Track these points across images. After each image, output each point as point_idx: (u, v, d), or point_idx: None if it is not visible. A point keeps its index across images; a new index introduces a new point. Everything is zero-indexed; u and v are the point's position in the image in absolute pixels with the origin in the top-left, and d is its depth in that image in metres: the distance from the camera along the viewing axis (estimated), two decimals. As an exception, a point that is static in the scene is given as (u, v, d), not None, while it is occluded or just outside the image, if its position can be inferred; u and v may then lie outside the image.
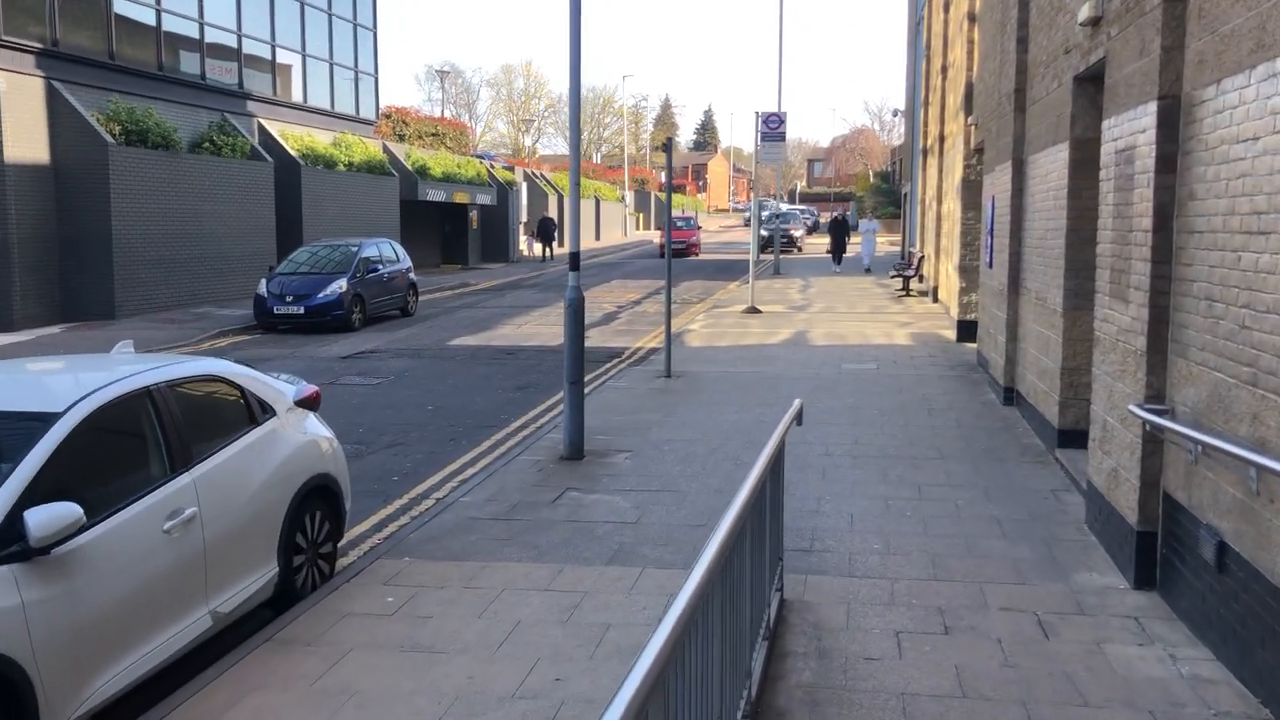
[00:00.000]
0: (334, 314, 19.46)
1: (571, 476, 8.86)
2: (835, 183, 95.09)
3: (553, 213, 49.43)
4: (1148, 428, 5.92)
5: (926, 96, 27.11)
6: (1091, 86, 8.67)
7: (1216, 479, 5.10)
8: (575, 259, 9.54)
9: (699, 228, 43.95)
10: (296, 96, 29.14)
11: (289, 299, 19.47)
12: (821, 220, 71.19)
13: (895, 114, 43.25)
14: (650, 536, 7.23)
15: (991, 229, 13.49)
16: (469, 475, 9.18)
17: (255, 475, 5.88)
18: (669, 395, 12.47)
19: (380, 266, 21.34)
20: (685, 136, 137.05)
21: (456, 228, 39.51)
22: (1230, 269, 4.98)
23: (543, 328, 20.01)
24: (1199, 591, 5.36)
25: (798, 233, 46.17)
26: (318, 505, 6.50)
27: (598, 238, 56.85)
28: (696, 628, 3.04)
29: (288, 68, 28.91)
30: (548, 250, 41.39)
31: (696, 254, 42.27)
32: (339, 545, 7.00)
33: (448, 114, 65.99)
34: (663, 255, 48.49)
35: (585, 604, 5.98)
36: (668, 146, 13.46)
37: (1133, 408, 5.89)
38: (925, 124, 27.30)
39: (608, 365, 15.42)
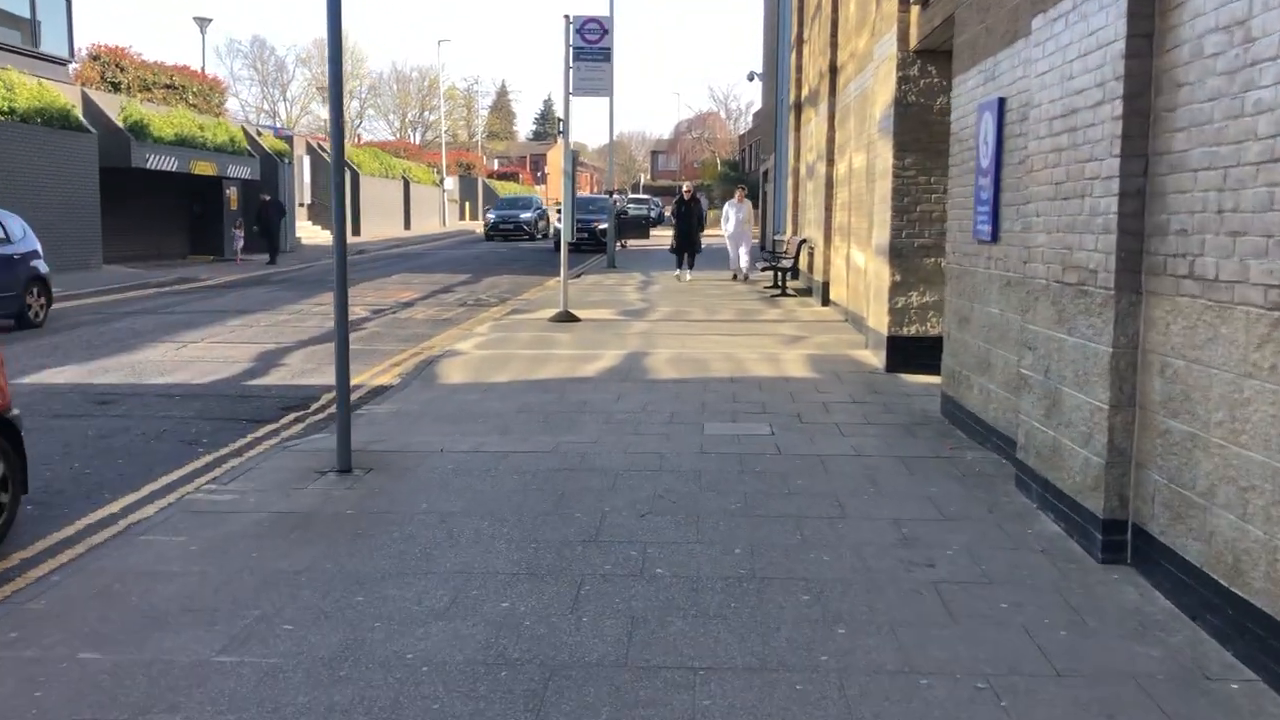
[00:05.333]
0: None
1: None
2: (681, 175, 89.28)
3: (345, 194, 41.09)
4: None
5: (800, 33, 20.70)
6: None
7: None
8: None
9: None
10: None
11: None
12: (668, 212, 64.95)
13: (751, 78, 37.00)
14: None
15: (996, 162, 6.84)
16: None
17: None
18: (295, 548, 5.19)
19: (-41, 250, 13.22)
20: (524, 126, 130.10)
21: (210, 210, 30.93)
22: None
23: (217, 347, 12.35)
24: None
25: (603, 226, 29.08)
26: None
27: (408, 226, 48.76)
28: None
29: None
30: (272, 248, 28.07)
31: None
32: None
33: (253, 94, 56.61)
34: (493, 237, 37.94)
35: None
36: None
37: None
38: (799, 69, 20.91)
39: (252, 436, 8.00)
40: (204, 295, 19.32)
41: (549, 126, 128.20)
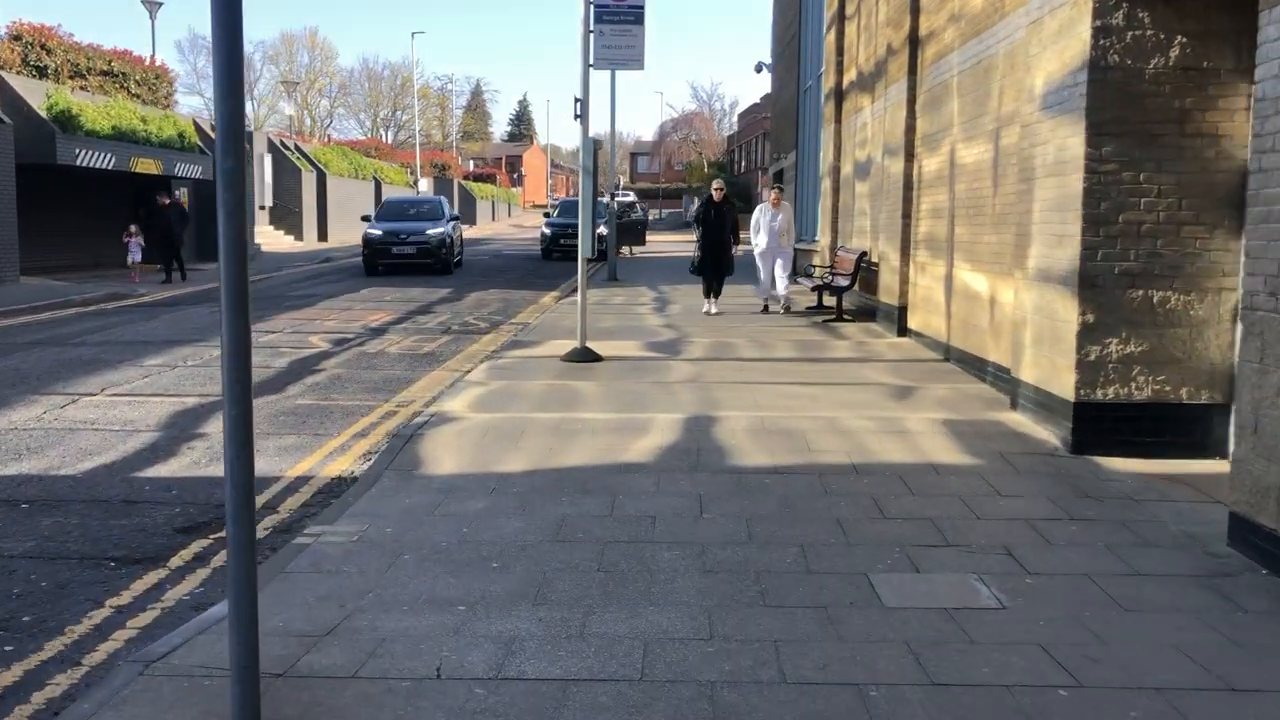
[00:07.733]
0: None
1: None
2: (663, 178, 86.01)
3: (310, 196, 37.71)
4: None
5: (842, 8, 17.63)
6: None
7: None
8: None
9: None
10: None
11: None
12: (652, 216, 61.67)
13: (760, 69, 33.93)
14: None
15: None
16: None
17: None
18: None
19: None
20: (500, 127, 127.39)
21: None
22: None
23: (119, 404, 9.01)
24: None
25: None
26: None
27: (380, 231, 45.31)
28: None
29: None
30: (174, 262, 22.73)
31: None
32: None
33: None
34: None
35: None
36: None
37: None
38: (840, 51, 17.85)
39: (113, 605, 4.73)
40: (132, 317, 15.96)
41: (524, 127, 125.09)
